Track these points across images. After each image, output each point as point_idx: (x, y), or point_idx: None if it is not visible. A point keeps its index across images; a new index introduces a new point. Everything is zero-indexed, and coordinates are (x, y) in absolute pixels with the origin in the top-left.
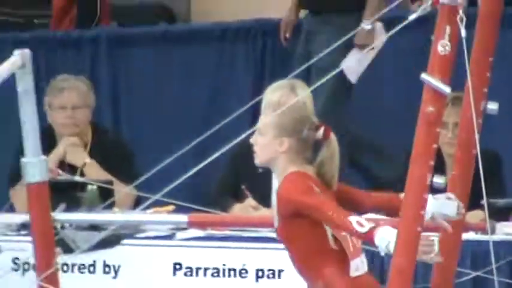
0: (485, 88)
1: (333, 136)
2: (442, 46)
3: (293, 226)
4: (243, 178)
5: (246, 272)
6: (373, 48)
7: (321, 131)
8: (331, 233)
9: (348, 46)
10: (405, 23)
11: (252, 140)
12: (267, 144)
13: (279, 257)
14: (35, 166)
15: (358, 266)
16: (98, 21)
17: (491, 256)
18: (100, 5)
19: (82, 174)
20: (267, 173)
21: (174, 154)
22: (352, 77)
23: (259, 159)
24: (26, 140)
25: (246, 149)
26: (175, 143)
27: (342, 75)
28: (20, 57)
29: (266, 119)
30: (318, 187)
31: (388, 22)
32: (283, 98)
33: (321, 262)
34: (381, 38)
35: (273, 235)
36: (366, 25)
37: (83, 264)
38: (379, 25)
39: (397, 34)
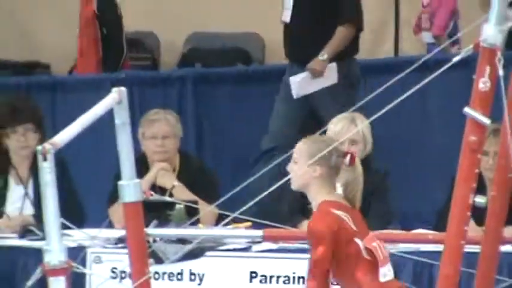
0: None
1: (357, 162)
2: (483, 83)
3: None
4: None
5: None
6: (322, 76)
7: (348, 158)
8: (364, 245)
9: (346, 88)
10: (450, 64)
11: (288, 168)
12: (301, 171)
13: None
14: (131, 188)
15: (386, 273)
16: (122, 64)
17: None
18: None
19: (171, 195)
20: None
21: (249, 179)
22: (295, 92)
23: (294, 184)
24: (123, 165)
25: None
26: (250, 169)
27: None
28: (117, 94)
29: (299, 148)
30: (345, 209)
31: (435, 63)
32: (344, 129)
33: (354, 270)
34: (333, 74)
35: None
36: (323, 56)
37: (172, 273)
38: (333, 64)
39: (443, 74)
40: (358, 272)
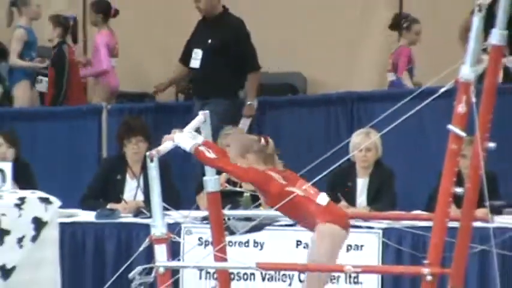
0: (487, 133)
1: (270, 140)
2: (461, 108)
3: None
4: (338, 189)
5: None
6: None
7: (262, 140)
8: (298, 189)
9: (235, 117)
10: (438, 93)
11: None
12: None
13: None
14: (212, 182)
15: (323, 198)
16: (63, 99)
17: (492, 236)
18: (67, 86)
19: (240, 187)
20: (353, 187)
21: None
22: (245, 127)
23: None
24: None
25: (341, 172)
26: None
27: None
28: (203, 115)
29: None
30: (276, 171)
31: (428, 93)
32: (362, 140)
33: (302, 208)
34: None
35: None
36: (251, 102)
37: (241, 242)
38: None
39: (434, 101)
40: (305, 207)
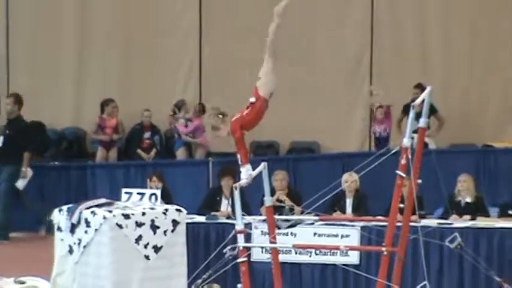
0: (418, 175)
1: None
2: (403, 161)
3: None
4: (336, 205)
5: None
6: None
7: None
8: None
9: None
10: (390, 153)
11: None
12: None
13: (346, 230)
14: (268, 200)
15: None
16: None
17: (419, 230)
18: None
19: (283, 203)
20: (344, 203)
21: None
22: (21, 186)
23: None
24: (266, 194)
25: (338, 196)
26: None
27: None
28: (263, 166)
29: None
30: None
31: (386, 153)
32: (348, 178)
33: None
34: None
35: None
36: (25, 169)
37: (284, 233)
38: (29, 170)
39: (390, 157)
40: None
